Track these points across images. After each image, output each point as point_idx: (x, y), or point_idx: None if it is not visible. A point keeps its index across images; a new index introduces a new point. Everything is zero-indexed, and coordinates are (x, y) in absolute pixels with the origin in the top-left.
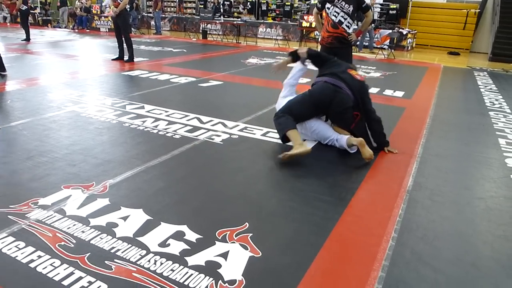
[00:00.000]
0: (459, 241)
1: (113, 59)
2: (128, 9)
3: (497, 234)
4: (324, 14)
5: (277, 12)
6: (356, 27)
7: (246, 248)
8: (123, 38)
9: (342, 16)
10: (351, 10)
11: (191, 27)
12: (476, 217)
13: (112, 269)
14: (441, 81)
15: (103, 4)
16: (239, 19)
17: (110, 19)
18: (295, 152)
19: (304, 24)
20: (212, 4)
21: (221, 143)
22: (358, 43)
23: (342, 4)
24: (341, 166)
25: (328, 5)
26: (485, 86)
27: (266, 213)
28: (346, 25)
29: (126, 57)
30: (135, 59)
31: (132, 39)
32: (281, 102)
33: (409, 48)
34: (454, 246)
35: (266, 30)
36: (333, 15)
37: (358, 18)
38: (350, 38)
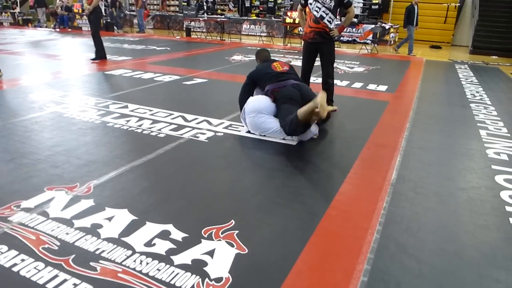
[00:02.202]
0: (442, 232)
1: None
2: (101, 6)
3: (479, 224)
4: (307, 10)
5: (261, 8)
6: (338, 22)
7: (232, 245)
8: (91, 36)
9: (323, 11)
10: (332, 6)
11: (174, 25)
12: (458, 207)
13: (98, 271)
14: (424, 74)
15: (83, 1)
16: (223, 16)
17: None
18: (317, 102)
19: (288, 20)
20: (195, 2)
21: (206, 141)
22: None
23: (323, 0)
24: (326, 162)
25: (310, 0)
26: (466, 79)
27: (252, 209)
28: (327, 20)
29: (108, 56)
30: (113, 58)
31: (115, 38)
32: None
33: (392, 42)
34: (438, 237)
35: (250, 26)
36: (315, 10)
37: (343, 13)
38: (332, 33)
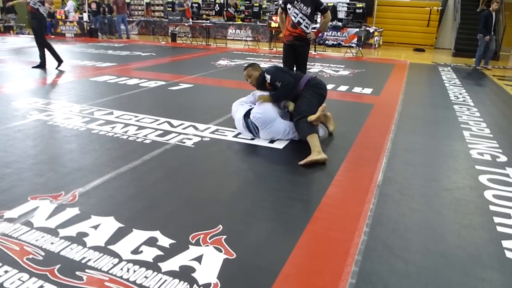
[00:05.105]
0: (428, 232)
1: (33, 67)
2: (44, 12)
3: (463, 224)
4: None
5: (246, 13)
6: (317, 25)
7: (220, 251)
8: (40, 44)
9: (300, 17)
10: (309, 12)
11: (159, 30)
12: (443, 208)
13: (84, 280)
14: (408, 77)
15: (65, 9)
16: (208, 21)
17: (76, 24)
18: (315, 159)
19: (273, 24)
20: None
21: (193, 146)
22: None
23: (300, 6)
24: (313, 165)
25: (289, 5)
26: (450, 81)
27: (239, 214)
28: (304, 25)
29: (92, 62)
30: (97, 64)
31: (99, 44)
32: (240, 107)
33: (376, 46)
34: (424, 237)
35: (235, 31)
36: (293, 15)
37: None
38: (309, 36)
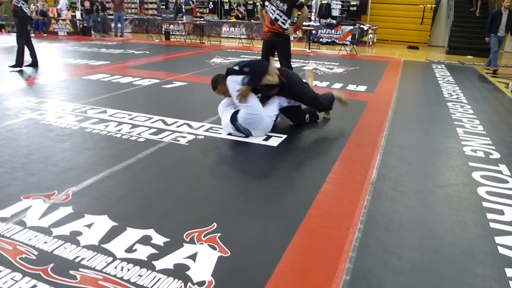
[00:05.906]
0: (422, 229)
1: (24, 66)
2: (27, 10)
3: (457, 220)
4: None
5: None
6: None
7: (214, 249)
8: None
9: (278, 14)
10: (286, 8)
11: (153, 28)
12: (437, 204)
13: (77, 279)
14: (402, 74)
15: (58, 7)
16: (202, 19)
17: (69, 23)
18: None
19: None
20: (173, 5)
21: (187, 144)
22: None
23: (277, 3)
24: (307, 162)
25: (266, 2)
26: (443, 78)
27: (234, 212)
28: (281, 22)
29: (85, 61)
30: (90, 62)
31: (92, 42)
32: (224, 110)
33: (370, 43)
34: (418, 234)
35: (229, 29)
36: (270, 12)
37: (321, 16)
38: (287, 32)
